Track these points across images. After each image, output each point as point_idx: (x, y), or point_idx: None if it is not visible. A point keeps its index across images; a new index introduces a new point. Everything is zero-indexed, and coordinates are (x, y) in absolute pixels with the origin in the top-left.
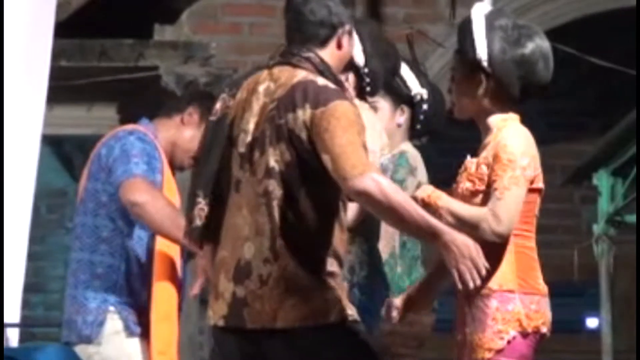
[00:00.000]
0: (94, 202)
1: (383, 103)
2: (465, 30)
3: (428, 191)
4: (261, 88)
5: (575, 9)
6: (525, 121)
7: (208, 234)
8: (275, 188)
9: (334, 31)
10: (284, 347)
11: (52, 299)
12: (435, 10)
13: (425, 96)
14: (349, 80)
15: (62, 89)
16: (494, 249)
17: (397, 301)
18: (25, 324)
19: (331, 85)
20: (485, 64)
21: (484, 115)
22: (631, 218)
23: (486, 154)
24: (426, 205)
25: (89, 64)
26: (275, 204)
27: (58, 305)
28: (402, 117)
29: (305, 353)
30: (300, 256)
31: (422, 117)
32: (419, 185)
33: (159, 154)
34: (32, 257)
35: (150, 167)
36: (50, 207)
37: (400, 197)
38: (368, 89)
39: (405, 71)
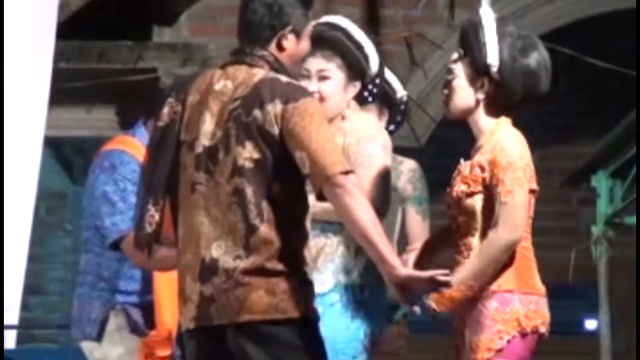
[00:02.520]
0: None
1: (371, 107)
2: (473, 33)
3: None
4: (217, 87)
5: (573, 11)
6: (522, 123)
7: (158, 239)
8: (246, 186)
9: (274, 32)
10: (248, 342)
11: (51, 301)
12: (434, 12)
13: (405, 98)
14: (356, 87)
15: (61, 91)
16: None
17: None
18: (24, 326)
19: (295, 82)
20: (494, 69)
21: (477, 118)
22: (630, 220)
23: (480, 157)
24: (437, 301)
25: (87, 65)
26: (247, 202)
27: (57, 307)
28: (385, 118)
29: (267, 347)
30: (270, 254)
31: (399, 118)
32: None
33: (136, 172)
34: (31, 259)
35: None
36: (49, 209)
37: (369, 209)
38: (370, 99)
39: (390, 75)
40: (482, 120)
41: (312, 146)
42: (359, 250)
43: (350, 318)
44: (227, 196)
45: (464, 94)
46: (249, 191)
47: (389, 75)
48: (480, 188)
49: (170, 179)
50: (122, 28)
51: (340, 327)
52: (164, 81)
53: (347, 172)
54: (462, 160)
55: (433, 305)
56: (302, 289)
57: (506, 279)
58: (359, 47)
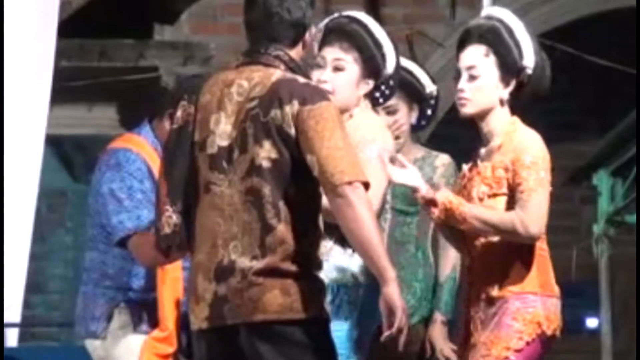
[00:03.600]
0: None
1: (402, 104)
2: (507, 32)
3: (449, 196)
4: (233, 89)
5: (575, 9)
6: (524, 122)
7: (178, 241)
8: (263, 186)
9: (304, 32)
10: (261, 342)
11: (52, 299)
12: (435, 10)
13: (435, 93)
14: (370, 84)
15: (62, 89)
16: (513, 251)
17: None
18: (25, 324)
19: (312, 83)
20: (529, 71)
21: (493, 117)
22: (631, 218)
23: (502, 157)
24: (447, 210)
25: (89, 64)
26: (264, 201)
27: (58, 305)
28: (415, 114)
29: (280, 347)
30: (286, 254)
31: (429, 112)
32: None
33: (142, 170)
34: (32, 256)
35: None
36: (50, 207)
37: (374, 222)
38: (386, 95)
39: (416, 68)
40: (497, 120)
41: (323, 152)
42: (354, 250)
43: (344, 318)
44: (241, 195)
45: (490, 93)
46: (267, 191)
47: (417, 70)
48: (503, 190)
49: (187, 178)
50: (124, 26)
51: (334, 328)
52: (165, 79)
53: (354, 182)
54: (464, 166)
55: (435, 212)
56: (316, 289)
57: (529, 281)
58: (378, 44)
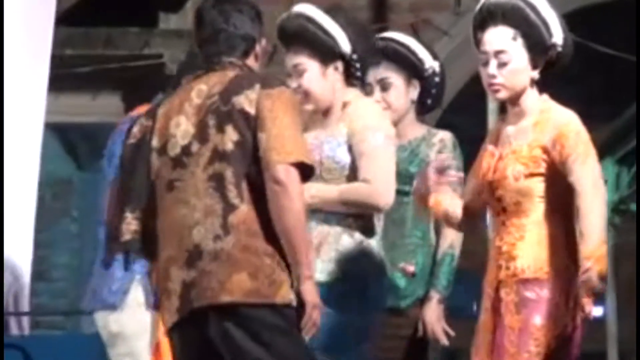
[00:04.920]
0: None
1: (396, 79)
2: (533, 12)
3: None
4: (193, 93)
5: None
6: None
7: (137, 247)
8: (225, 169)
9: (254, 43)
10: (233, 326)
11: (57, 287)
12: None
13: (437, 69)
14: (339, 69)
15: (68, 76)
16: (547, 231)
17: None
18: (29, 313)
19: (272, 75)
20: (560, 49)
21: (525, 97)
22: (636, 207)
23: (540, 136)
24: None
25: (94, 52)
26: (226, 183)
27: (63, 294)
28: (415, 91)
29: (252, 330)
30: (251, 233)
31: (434, 90)
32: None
33: None
34: (37, 245)
35: None
36: (55, 196)
37: (302, 213)
38: (358, 74)
39: (413, 43)
40: (530, 99)
41: (274, 130)
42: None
43: (356, 308)
44: (204, 183)
45: (523, 75)
46: (229, 173)
47: (415, 45)
48: (540, 170)
49: (145, 186)
50: (129, 14)
51: (346, 316)
52: (170, 68)
53: (296, 164)
54: (490, 146)
55: (593, 280)
56: (285, 274)
57: (564, 261)
58: (324, 30)
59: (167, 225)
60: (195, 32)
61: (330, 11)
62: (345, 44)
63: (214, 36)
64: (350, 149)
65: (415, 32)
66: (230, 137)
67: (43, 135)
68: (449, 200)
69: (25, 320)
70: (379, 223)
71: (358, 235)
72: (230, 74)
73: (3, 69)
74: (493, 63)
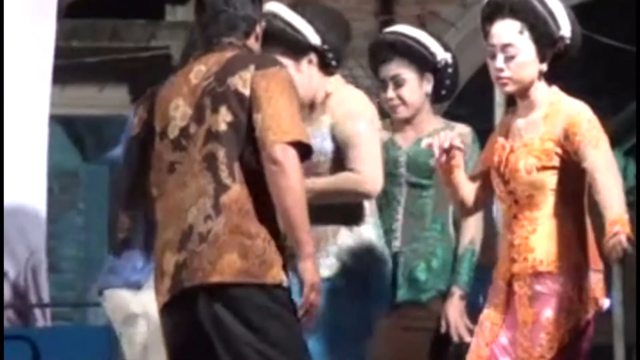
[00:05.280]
0: None
1: (409, 74)
2: (541, 4)
3: None
4: (191, 75)
5: None
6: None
7: (130, 241)
8: (218, 149)
9: (255, 24)
10: (222, 308)
11: (65, 279)
12: None
13: (450, 60)
14: (313, 61)
15: (74, 69)
16: (562, 224)
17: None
18: (37, 304)
19: (268, 55)
20: (568, 41)
21: (534, 89)
22: (636, 207)
23: (549, 129)
24: None
25: (100, 44)
26: (218, 163)
27: (71, 285)
28: (429, 85)
29: (241, 312)
30: (243, 213)
31: (448, 82)
32: None
33: None
34: (49, 236)
35: None
36: (62, 188)
37: (301, 191)
38: (334, 63)
39: (424, 36)
40: (539, 92)
41: (269, 110)
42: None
43: (358, 302)
44: (199, 164)
45: (531, 68)
46: (221, 153)
47: (426, 38)
48: (553, 163)
49: (142, 181)
50: (135, 6)
51: (346, 311)
52: (177, 59)
53: (293, 143)
54: (501, 139)
55: (624, 242)
56: (276, 255)
57: (578, 255)
58: (291, 26)
59: (168, 208)
60: (196, 17)
61: (296, 6)
62: (313, 37)
63: (214, 17)
64: (334, 138)
65: (422, 25)
66: (223, 118)
67: (49, 127)
68: (469, 185)
69: (48, 311)
70: (370, 207)
71: (357, 229)
72: (228, 54)
73: (3, 67)
74: (500, 56)
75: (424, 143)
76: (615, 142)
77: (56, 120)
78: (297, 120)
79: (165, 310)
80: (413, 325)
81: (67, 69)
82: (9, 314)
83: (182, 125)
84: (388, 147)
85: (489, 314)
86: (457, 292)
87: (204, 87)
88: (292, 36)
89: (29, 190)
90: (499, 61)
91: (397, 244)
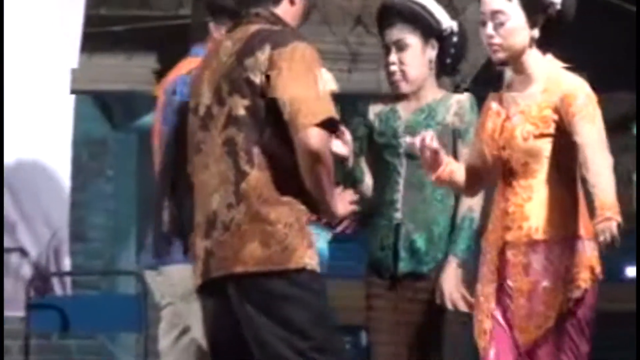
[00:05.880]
0: None
1: (412, 39)
2: None
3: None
4: (220, 51)
5: None
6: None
7: (178, 230)
8: (236, 134)
9: None
10: (244, 297)
11: (93, 248)
12: None
13: (455, 29)
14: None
15: (102, 37)
16: (556, 192)
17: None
18: (66, 272)
19: (287, 29)
20: (558, 7)
21: (527, 57)
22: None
23: (548, 97)
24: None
25: (129, 12)
26: (237, 148)
27: (99, 254)
28: (434, 51)
29: (261, 299)
30: (263, 200)
31: (452, 50)
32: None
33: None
34: (73, 205)
35: None
36: (90, 156)
37: (332, 169)
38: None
39: (431, 4)
40: (533, 59)
41: (295, 92)
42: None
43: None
44: (220, 147)
45: (521, 34)
46: (240, 138)
47: (432, 4)
48: (550, 130)
49: (178, 162)
50: None
51: None
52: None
53: (321, 124)
54: (494, 104)
55: (614, 229)
56: (299, 239)
57: (574, 224)
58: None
59: (196, 189)
60: None
61: None
62: (446, 22)
63: None
64: None
65: None
66: (242, 102)
67: (76, 96)
68: (455, 165)
69: (68, 281)
70: None
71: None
72: (252, 29)
73: (3, 67)
74: (490, 24)
75: (407, 139)
76: None
77: (84, 89)
78: (323, 96)
79: (200, 293)
80: (416, 297)
81: (96, 37)
82: (34, 284)
83: (207, 104)
84: (388, 117)
85: (482, 288)
86: (453, 261)
87: (226, 67)
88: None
89: (54, 166)
90: (489, 28)
91: (398, 215)
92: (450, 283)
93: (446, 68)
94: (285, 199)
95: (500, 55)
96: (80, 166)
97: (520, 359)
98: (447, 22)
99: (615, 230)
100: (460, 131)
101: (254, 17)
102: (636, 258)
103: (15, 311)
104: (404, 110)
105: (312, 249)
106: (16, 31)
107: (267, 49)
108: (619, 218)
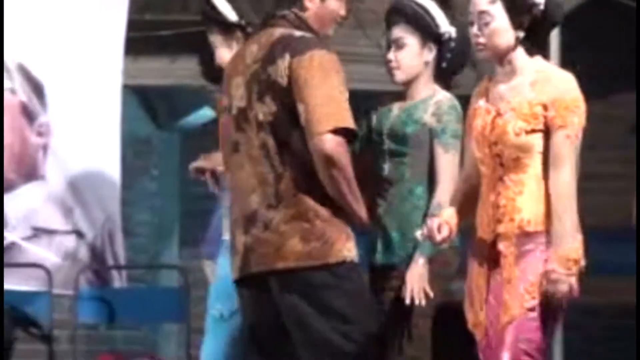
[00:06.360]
0: None
1: (411, 39)
2: None
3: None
4: (247, 53)
5: None
6: (585, 71)
7: None
8: (268, 138)
9: None
10: (285, 289)
11: (139, 243)
12: None
13: (453, 34)
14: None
15: (147, 41)
16: (538, 187)
17: (443, 221)
18: (114, 266)
19: (308, 35)
20: (541, 7)
21: (514, 56)
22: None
23: (539, 95)
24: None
25: (171, 17)
26: (272, 153)
27: (143, 249)
28: (430, 54)
29: (303, 289)
30: (297, 199)
31: (449, 55)
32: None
33: None
34: (122, 202)
35: None
36: (136, 155)
37: (350, 173)
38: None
39: (434, 8)
40: (520, 58)
41: (312, 101)
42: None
43: (227, 258)
44: (257, 150)
45: (505, 35)
46: (271, 142)
47: (434, 8)
48: (541, 126)
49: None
50: None
51: (221, 266)
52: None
53: (336, 131)
54: (481, 102)
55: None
56: (337, 233)
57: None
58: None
59: (233, 187)
60: None
61: None
62: (445, 27)
63: None
64: None
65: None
66: (269, 108)
67: (123, 97)
68: (450, 214)
69: (124, 273)
70: None
71: None
72: (276, 34)
73: (3, 66)
74: (476, 24)
75: (418, 234)
76: None
77: (129, 90)
78: (340, 105)
79: (238, 286)
80: (388, 286)
81: (140, 41)
82: (88, 275)
83: (240, 106)
84: (382, 116)
85: (473, 281)
86: (419, 257)
87: (252, 72)
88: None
89: (105, 160)
90: (475, 28)
91: (380, 210)
92: (413, 278)
93: (443, 72)
94: (321, 196)
95: (484, 54)
96: (126, 165)
97: (486, 340)
98: (446, 27)
99: (566, 288)
100: (437, 131)
101: (279, 20)
102: (636, 257)
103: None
104: (396, 108)
105: (350, 241)
106: (66, 33)
107: (287, 56)
108: (573, 273)
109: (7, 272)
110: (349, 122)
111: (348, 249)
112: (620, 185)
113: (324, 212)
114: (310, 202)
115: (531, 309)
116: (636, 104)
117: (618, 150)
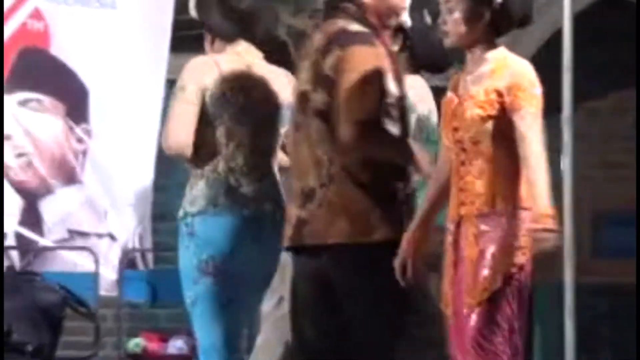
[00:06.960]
0: None
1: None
2: None
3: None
4: (310, 42)
5: None
6: (598, 68)
7: None
8: (322, 125)
9: None
10: (334, 263)
11: (175, 227)
12: None
13: (407, 24)
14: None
15: (183, 39)
16: (504, 169)
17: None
18: (153, 249)
19: (359, 29)
20: (499, 0)
21: (478, 46)
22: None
23: (495, 82)
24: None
25: None
26: (325, 137)
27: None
28: (395, 46)
29: (349, 268)
30: (349, 182)
31: (408, 43)
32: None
33: None
34: (159, 189)
35: None
36: None
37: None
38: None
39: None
40: (484, 49)
41: (342, 93)
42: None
43: (185, 247)
44: (314, 133)
45: (466, 25)
46: (325, 129)
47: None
48: (495, 112)
49: None
50: None
51: (181, 255)
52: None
53: (358, 122)
54: (449, 94)
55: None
56: (382, 213)
57: (521, 197)
58: None
59: (293, 163)
60: None
61: None
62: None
63: None
64: None
65: None
66: (322, 97)
67: (165, 90)
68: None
69: (150, 257)
70: None
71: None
72: (335, 27)
73: (3, 66)
74: (444, 12)
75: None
76: None
77: (171, 83)
78: (365, 99)
79: (292, 253)
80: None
81: (185, 40)
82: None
83: (302, 90)
84: None
85: (445, 261)
86: None
87: (313, 60)
88: None
89: (140, 164)
90: (442, 14)
91: None
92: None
93: (412, 65)
94: (368, 181)
95: (448, 41)
96: (164, 154)
97: (453, 320)
98: (408, 23)
99: (553, 242)
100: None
101: (341, 12)
102: (636, 256)
103: (105, 291)
104: None
105: (394, 223)
106: (113, 39)
107: (336, 51)
108: (554, 226)
109: (57, 256)
110: (368, 115)
111: (391, 232)
112: (632, 173)
113: (369, 196)
114: (358, 184)
115: (494, 291)
116: (636, 105)
117: (628, 141)
